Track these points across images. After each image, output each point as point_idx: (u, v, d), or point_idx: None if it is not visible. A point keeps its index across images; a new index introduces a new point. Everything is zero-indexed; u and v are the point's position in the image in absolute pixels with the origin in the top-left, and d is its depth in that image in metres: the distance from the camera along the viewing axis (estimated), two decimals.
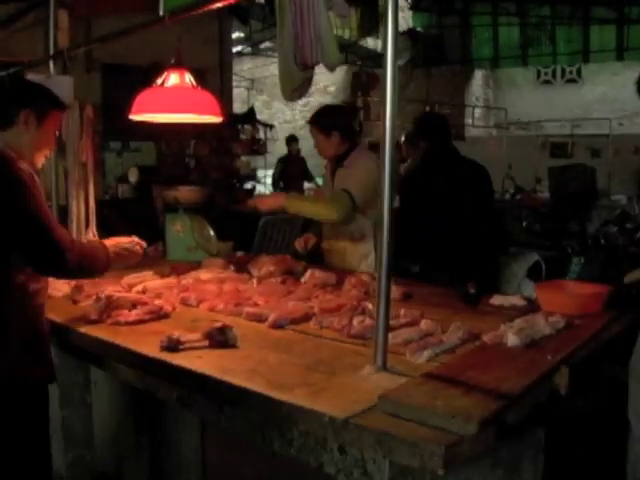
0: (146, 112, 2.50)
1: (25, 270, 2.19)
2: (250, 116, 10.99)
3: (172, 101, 2.41)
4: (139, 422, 3.31)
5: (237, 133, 10.61)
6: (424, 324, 2.29)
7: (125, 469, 3.43)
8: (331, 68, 2.00)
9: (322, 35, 1.88)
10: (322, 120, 3.52)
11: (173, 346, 2.07)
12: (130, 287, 3.02)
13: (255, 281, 3.10)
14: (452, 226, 4.19)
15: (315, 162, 11.20)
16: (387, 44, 1.67)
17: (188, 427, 2.94)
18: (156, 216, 5.70)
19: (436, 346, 2.02)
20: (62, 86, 3.22)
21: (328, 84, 16.91)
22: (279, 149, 15.77)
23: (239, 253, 4.04)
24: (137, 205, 8.58)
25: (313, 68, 2.05)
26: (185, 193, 3.78)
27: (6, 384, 2.16)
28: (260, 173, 11.62)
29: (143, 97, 2.49)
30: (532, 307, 2.66)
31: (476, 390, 1.61)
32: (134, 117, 2.60)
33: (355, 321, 2.31)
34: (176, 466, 3.10)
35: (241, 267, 3.50)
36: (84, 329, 2.40)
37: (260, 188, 11.90)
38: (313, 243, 3.75)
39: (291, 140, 10.89)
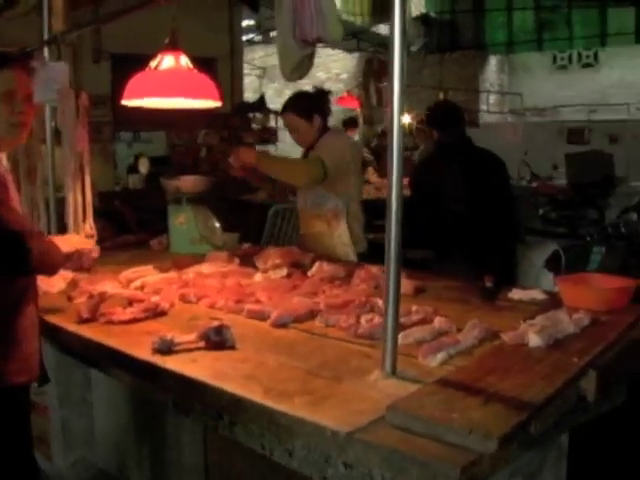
0: (138, 97, 2.34)
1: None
2: (261, 104, 10.82)
3: (166, 85, 2.24)
4: (141, 421, 3.18)
5: (248, 122, 10.47)
6: (437, 322, 2.13)
7: (127, 469, 3.31)
8: (332, 43, 1.83)
9: (323, 9, 1.72)
10: (302, 104, 3.44)
11: (166, 348, 1.92)
12: (128, 282, 2.88)
13: (259, 275, 2.95)
14: (466, 216, 4.02)
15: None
16: (394, 27, 1.50)
17: (191, 427, 2.81)
18: (166, 207, 5.60)
19: (451, 347, 1.86)
20: (57, 73, 3.08)
21: (340, 71, 16.72)
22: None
23: (246, 245, 3.88)
24: (147, 196, 8.47)
25: (314, 45, 1.89)
26: (188, 183, 3.63)
27: None
28: None
29: (135, 81, 2.32)
30: (553, 302, 2.49)
31: (495, 399, 1.45)
32: (126, 103, 2.44)
33: (363, 319, 2.15)
34: (179, 467, 2.96)
35: (247, 260, 3.35)
36: (75, 328, 2.25)
37: None
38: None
39: (350, 123, 9.78)
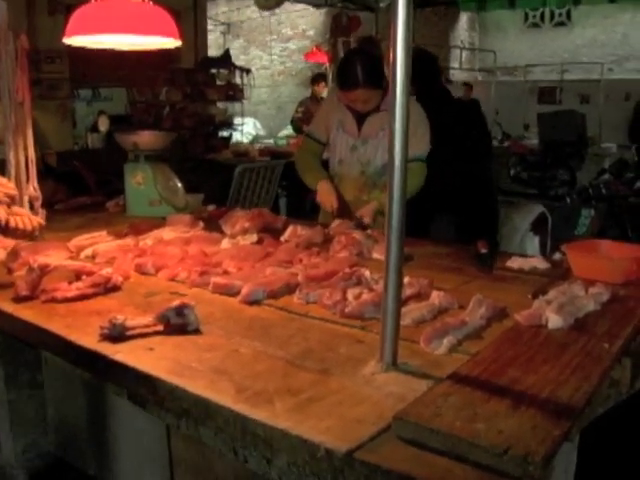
0: (83, 33, 1.97)
1: None
2: (226, 60, 10.34)
3: (115, 18, 1.87)
4: (99, 405, 2.86)
5: (212, 78, 10.01)
6: (436, 297, 1.83)
7: (84, 457, 3.00)
8: None
9: None
10: (378, 74, 3.00)
11: (117, 334, 1.59)
12: (79, 251, 2.54)
13: (226, 241, 2.63)
14: (448, 174, 3.70)
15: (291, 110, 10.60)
16: None
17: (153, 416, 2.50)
18: None
19: (457, 329, 1.56)
20: None
21: (307, 28, 16.23)
22: (257, 96, 15.12)
23: (210, 207, 3.55)
24: (107, 155, 8.06)
25: None
26: (146, 138, 3.27)
27: None
28: (237, 120, 11.02)
29: (80, 15, 1.94)
30: (558, 271, 2.22)
31: (526, 402, 1.16)
32: (68, 41, 2.07)
33: (350, 295, 1.84)
34: (140, 457, 2.66)
35: (212, 224, 3.04)
36: (11, 308, 1.90)
37: (237, 136, 11.32)
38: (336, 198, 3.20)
39: (319, 79, 9.44)
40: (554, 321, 1.58)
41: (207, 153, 8.66)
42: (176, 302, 1.67)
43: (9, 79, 2.68)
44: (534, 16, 14.51)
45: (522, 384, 1.24)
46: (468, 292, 1.93)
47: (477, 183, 3.81)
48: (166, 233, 2.74)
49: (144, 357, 1.49)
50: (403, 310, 1.72)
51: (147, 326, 1.64)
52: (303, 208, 5.53)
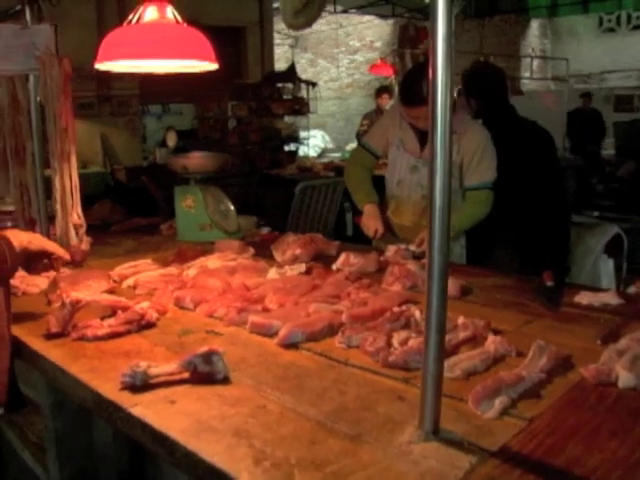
0: (115, 59, 1.87)
1: None
2: (291, 73, 10.31)
3: (148, 42, 1.75)
4: None
5: (278, 92, 9.99)
6: (492, 343, 1.65)
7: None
8: None
9: None
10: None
11: (140, 382, 1.48)
12: (122, 280, 2.46)
13: (273, 271, 2.49)
14: (510, 199, 3.45)
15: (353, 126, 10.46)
16: None
17: None
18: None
19: (511, 388, 1.38)
20: (40, 36, 2.66)
21: (374, 39, 16.12)
22: (325, 108, 15.07)
23: (264, 230, 3.44)
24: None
25: None
26: (196, 160, 3.18)
27: None
28: (303, 134, 10.96)
29: (111, 39, 1.84)
30: (633, 309, 2.01)
31: None
32: (100, 66, 1.99)
33: (395, 340, 1.67)
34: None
35: (264, 248, 2.92)
36: (39, 346, 1.82)
37: (304, 149, 11.27)
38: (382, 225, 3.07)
39: (383, 91, 9.25)
40: (625, 380, 1.38)
41: (273, 168, 8.63)
42: (204, 348, 1.54)
43: (54, 104, 2.63)
44: (609, 20, 14.02)
45: (583, 466, 1.06)
46: (529, 335, 1.75)
47: (546, 205, 3.56)
48: (211, 261, 2.63)
49: (163, 412, 1.37)
50: (454, 359, 1.55)
51: (172, 374, 1.51)
52: None
